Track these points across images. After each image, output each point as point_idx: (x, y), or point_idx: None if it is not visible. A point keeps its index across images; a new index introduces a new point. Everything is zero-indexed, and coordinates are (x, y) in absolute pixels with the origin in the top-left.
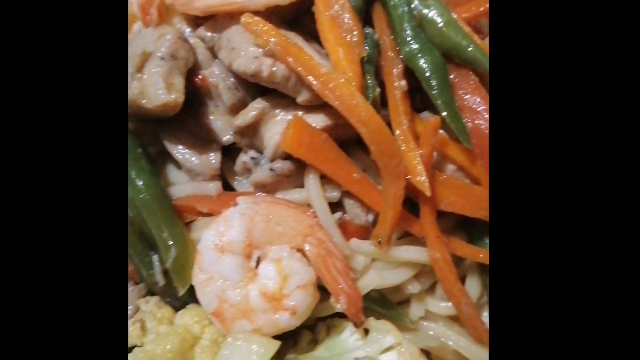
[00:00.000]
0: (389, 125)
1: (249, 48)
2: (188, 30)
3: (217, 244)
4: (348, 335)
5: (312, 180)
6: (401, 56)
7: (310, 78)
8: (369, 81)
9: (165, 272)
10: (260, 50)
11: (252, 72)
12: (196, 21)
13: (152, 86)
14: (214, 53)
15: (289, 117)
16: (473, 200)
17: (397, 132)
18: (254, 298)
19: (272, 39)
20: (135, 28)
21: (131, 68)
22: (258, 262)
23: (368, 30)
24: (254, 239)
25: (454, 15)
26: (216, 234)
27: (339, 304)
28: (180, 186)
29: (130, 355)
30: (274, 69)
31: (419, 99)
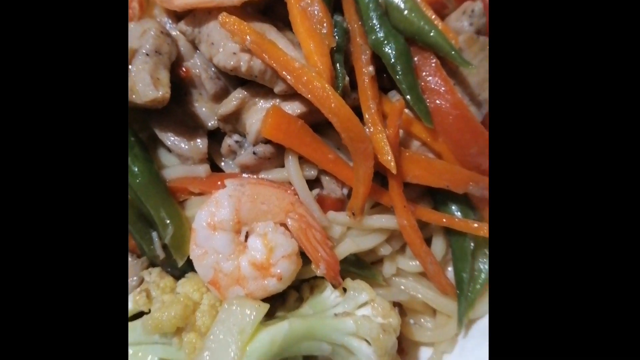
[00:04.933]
0: (359, 107)
1: (228, 44)
2: (169, 22)
3: (210, 223)
4: (329, 293)
5: (291, 162)
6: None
7: (284, 73)
8: (339, 70)
9: (165, 246)
10: (238, 45)
11: (231, 67)
12: (176, 14)
13: (140, 83)
14: (195, 45)
15: (268, 104)
16: (436, 172)
17: (366, 115)
18: (244, 268)
19: (248, 37)
20: None
21: None
22: (247, 236)
23: (338, 17)
24: (242, 216)
25: (418, 0)
26: (208, 214)
27: (319, 270)
28: (173, 169)
29: (139, 322)
30: (251, 63)
31: (386, 78)
